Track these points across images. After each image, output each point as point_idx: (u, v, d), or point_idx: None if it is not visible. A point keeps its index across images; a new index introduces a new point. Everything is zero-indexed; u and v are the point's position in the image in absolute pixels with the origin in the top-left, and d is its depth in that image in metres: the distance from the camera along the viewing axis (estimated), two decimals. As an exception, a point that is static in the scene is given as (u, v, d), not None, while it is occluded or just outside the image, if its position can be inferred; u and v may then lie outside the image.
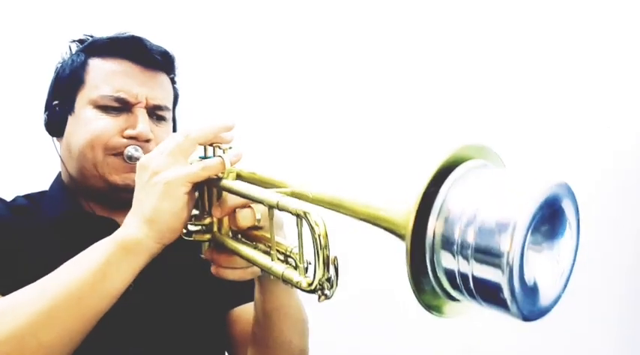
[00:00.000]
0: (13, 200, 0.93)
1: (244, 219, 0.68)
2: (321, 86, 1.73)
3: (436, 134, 1.69)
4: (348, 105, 1.73)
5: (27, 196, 0.95)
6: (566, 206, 0.45)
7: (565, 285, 0.47)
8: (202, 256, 0.76)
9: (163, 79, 0.96)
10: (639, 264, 1.68)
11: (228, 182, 0.68)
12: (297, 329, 0.86)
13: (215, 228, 0.73)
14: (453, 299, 0.49)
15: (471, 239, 0.43)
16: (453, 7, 1.74)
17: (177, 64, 0.99)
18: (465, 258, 0.44)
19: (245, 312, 0.93)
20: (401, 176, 1.63)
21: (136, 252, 0.67)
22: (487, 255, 0.42)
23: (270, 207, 0.60)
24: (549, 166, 1.67)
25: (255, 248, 0.69)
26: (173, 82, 1.00)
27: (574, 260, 0.47)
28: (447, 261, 0.46)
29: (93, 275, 0.65)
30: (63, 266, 0.68)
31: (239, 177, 0.72)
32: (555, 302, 0.46)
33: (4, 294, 0.76)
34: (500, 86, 1.72)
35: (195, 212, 0.75)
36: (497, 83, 1.72)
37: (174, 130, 1.03)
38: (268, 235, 0.68)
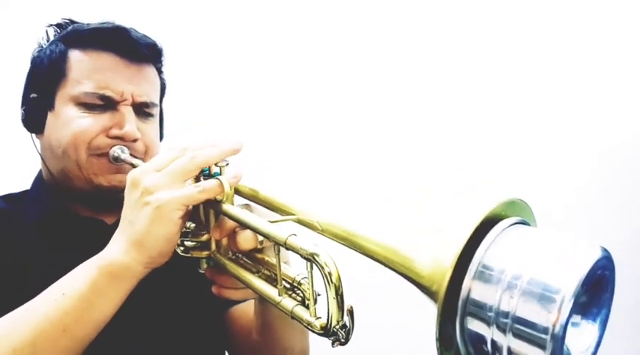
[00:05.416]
0: None
1: (245, 241, 0.63)
2: (312, 81, 1.67)
3: (433, 134, 1.65)
4: (342, 104, 1.67)
5: (6, 197, 0.89)
6: (606, 276, 0.42)
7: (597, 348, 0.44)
8: (201, 271, 0.72)
9: (150, 71, 0.89)
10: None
11: (230, 208, 0.62)
12: (297, 334, 0.84)
13: (213, 246, 0.69)
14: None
15: (510, 307, 0.40)
16: (452, 8, 1.67)
17: (165, 53, 0.91)
18: (501, 327, 0.40)
19: (244, 310, 0.90)
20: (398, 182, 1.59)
21: (124, 277, 0.63)
22: (529, 328, 0.39)
23: (277, 244, 0.55)
24: (548, 167, 1.64)
25: (259, 272, 0.64)
26: (160, 71, 0.93)
27: (604, 328, 0.44)
28: (479, 326, 0.42)
29: (78, 304, 0.61)
30: (46, 293, 0.63)
31: (237, 192, 0.67)
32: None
33: None
34: (500, 87, 1.67)
35: (191, 225, 0.71)
36: (497, 84, 1.67)
37: (161, 122, 0.97)
38: (271, 259, 0.64)
